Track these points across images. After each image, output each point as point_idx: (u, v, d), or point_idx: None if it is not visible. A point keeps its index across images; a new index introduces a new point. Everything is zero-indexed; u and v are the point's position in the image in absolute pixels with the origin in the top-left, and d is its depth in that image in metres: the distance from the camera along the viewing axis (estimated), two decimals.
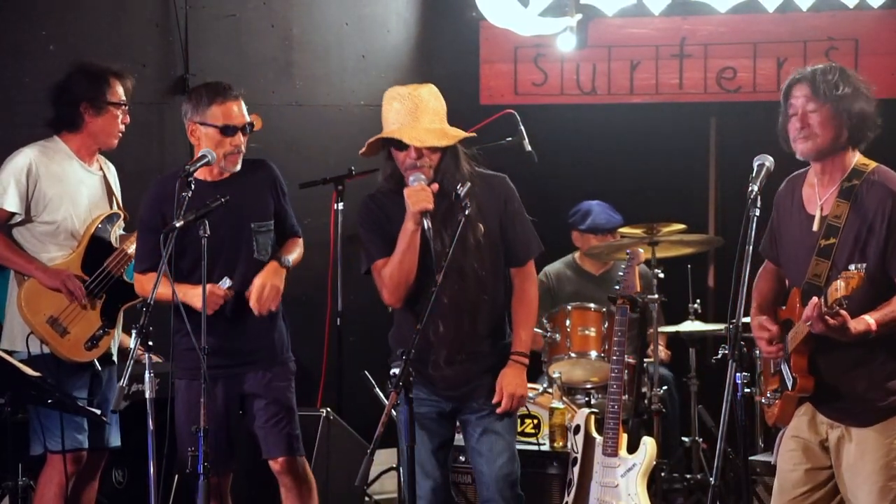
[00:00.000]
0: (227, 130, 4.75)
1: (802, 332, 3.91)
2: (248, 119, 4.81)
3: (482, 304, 4.49)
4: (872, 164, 4.02)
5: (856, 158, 4.02)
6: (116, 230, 5.21)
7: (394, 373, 4.46)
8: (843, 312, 3.75)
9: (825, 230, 3.98)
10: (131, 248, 5.09)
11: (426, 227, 4.28)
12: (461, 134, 4.46)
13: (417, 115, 4.38)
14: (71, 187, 5.10)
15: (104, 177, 5.25)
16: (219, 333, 4.68)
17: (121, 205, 5.29)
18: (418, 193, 4.32)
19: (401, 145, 4.38)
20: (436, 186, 4.36)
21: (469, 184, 4.37)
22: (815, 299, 3.79)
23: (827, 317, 3.75)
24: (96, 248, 5.11)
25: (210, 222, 4.48)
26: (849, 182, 3.98)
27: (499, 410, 4.47)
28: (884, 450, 3.94)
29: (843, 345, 3.87)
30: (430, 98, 4.44)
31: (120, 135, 5.21)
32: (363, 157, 4.55)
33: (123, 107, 5.19)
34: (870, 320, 3.83)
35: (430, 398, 4.53)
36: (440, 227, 4.35)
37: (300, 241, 5.03)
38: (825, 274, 3.94)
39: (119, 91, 5.19)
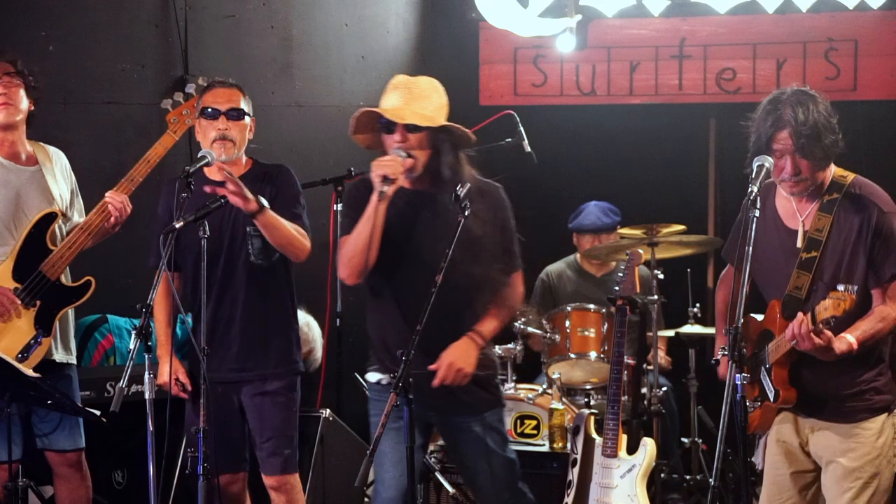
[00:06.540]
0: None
1: (785, 347, 3.95)
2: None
3: (467, 306, 4.40)
4: (851, 176, 4.04)
5: (832, 171, 4.03)
6: (56, 229, 4.86)
7: (377, 379, 4.41)
8: (828, 333, 3.80)
9: (806, 243, 4.01)
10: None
11: (384, 192, 4.15)
12: (442, 121, 4.34)
13: (410, 100, 4.32)
14: None
15: (39, 171, 4.88)
16: (215, 340, 4.71)
17: (63, 197, 4.88)
18: (383, 160, 4.23)
19: (390, 129, 4.30)
20: (409, 161, 4.25)
21: (469, 185, 4.35)
22: (800, 316, 3.83)
23: (813, 335, 3.78)
24: (31, 252, 4.78)
25: (209, 223, 4.49)
26: (829, 195, 4.00)
27: (434, 382, 4.25)
28: (865, 448, 4.00)
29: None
30: (429, 88, 4.40)
31: None
32: (352, 137, 4.47)
33: None
34: (851, 339, 3.87)
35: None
36: (441, 225, 4.27)
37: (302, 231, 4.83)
38: (806, 287, 3.99)
39: None
